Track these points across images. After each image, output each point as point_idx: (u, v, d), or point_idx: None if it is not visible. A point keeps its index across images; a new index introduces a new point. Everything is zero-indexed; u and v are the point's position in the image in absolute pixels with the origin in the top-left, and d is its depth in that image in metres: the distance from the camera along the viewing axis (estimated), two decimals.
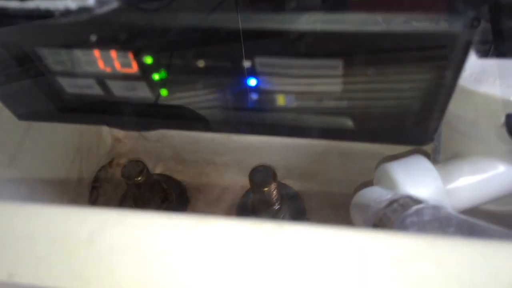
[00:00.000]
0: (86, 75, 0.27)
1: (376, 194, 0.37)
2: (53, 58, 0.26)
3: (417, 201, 0.31)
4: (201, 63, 0.25)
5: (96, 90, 0.28)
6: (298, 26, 0.22)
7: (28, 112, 0.32)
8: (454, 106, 0.37)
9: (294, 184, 0.63)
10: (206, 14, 0.22)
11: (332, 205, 0.60)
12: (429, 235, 0.18)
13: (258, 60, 0.24)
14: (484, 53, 0.29)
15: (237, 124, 0.29)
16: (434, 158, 0.44)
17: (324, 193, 0.62)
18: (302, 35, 0.23)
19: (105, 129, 0.67)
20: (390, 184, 0.38)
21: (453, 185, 0.38)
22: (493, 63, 0.35)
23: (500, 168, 0.39)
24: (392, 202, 0.32)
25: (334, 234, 0.18)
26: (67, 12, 0.21)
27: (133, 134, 0.68)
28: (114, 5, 0.21)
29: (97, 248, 0.18)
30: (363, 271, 0.17)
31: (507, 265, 0.16)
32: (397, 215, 0.31)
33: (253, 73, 0.25)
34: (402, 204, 0.31)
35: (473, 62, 0.35)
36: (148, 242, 0.18)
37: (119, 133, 0.68)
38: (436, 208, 0.29)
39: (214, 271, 0.17)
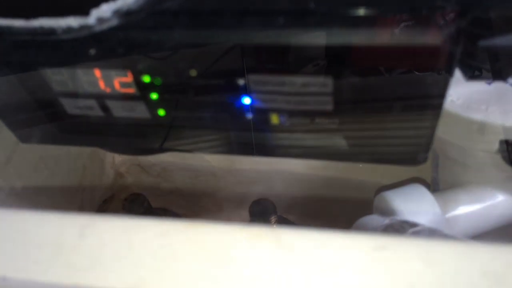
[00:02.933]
0: (87, 96, 0.28)
1: (373, 222, 0.37)
2: (55, 78, 0.27)
3: (413, 224, 0.30)
4: (198, 82, 0.26)
5: (97, 111, 0.29)
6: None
7: (31, 135, 0.33)
8: (448, 135, 0.38)
9: (295, 218, 0.62)
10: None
11: None
12: None
13: (252, 78, 0.25)
14: (472, 76, 0.30)
15: (233, 145, 0.30)
16: (433, 187, 0.44)
17: (325, 226, 0.61)
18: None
19: (108, 163, 0.67)
20: (388, 212, 0.38)
21: (452, 213, 0.38)
22: (485, 90, 0.35)
23: (499, 197, 0.38)
24: (388, 227, 0.32)
25: None
26: (68, 30, 0.22)
27: (136, 168, 0.68)
28: (114, 22, 0.22)
29: (87, 243, 0.18)
30: None
31: None
32: None
33: (247, 91, 0.26)
34: (398, 228, 0.31)
35: (466, 90, 0.36)
36: (139, 242, 0.18)
37: (121, 167, 0.69)
38: (432, 231, 0.29)
39: (205, 274, 0.17)
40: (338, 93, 0.26)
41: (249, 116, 0.27)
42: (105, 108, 0.28)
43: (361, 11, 0.22)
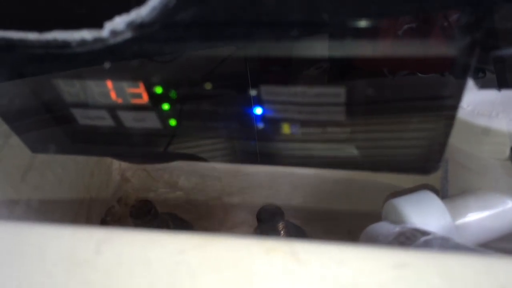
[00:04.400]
0: (98, 106, 0.28)
1: (383, 229, 0.37)
2: (67, 89, 0.27)
3: (424, 232, 0.30)
4: (209, 92, 0.26)
5: (108, 122, 0.29)
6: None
7: (42, 145, 0.33)
8: (458, 141, 0.38)
9: (302, 223, 0.62)
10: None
11: None
12: None
13: (264, 88, 0.25)
14: (476, 77, 0.30)
15: (244, 154, 0.30)
16: (442, 193, 0.44)
17: (333, 232, 0.61)
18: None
19: (115, 169, 0.67)
20: (398, 219, 0.38)
21: (461, 220, 0.38)
22: (495, 97, 0.35)
23: (509, 204, 0.38)
24: (399, 235, 0.32)
25: None
26: (83, 43, 0.23)
27: (141, 173, 0.68)
28: (127, 35, 0.22)
29: (104, 261, 0.18)
30: None
31: None
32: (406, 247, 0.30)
33: (259, 101, 0.26)
34: (409, 236, 0.31)
35: (475, 97, 0.36)
36: (156, 258, 0.18)
37: (128, 172, 0.69)
38: (444, 239, 0.29)
39: None
40: (348, 101, 0.26)
41: (261, 126, 0.27)
42: (116, 119, 0.29)
43: (373, 22, 0.22)
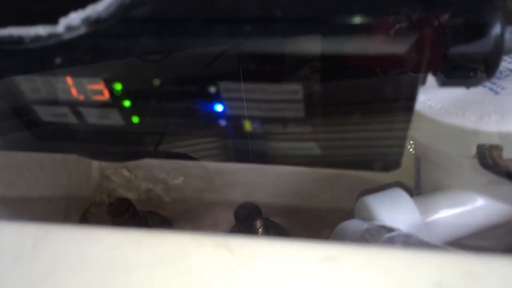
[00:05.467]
0: (60, 103, 0.28)
1: (354, 226, 0.37)
2: (27, 86, 0.27)
3: (389, 229, 0.31)
4: (168, 88, 0.26)
5: (71, 119, 0.29)
6: None
7: (6, 142, 0.33)
8: (427, 140, 0.38)
9: (283, 222, 0.63)
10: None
11: None
12: None
13: (223, 85, 0.25)
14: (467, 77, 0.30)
15: (207, 150, 0.30)
16: (417, 191, 0.44)
17: (312, 230, 0.61)
18: None
19: (94, 167, 0.67)
20: (369, 216, 0.38)
21: (431, 218, 0.38)
22: (462, 95, 0.36)
23: (479, 202, 0.39)
24: (365, 232, 0.32)
25: None
26: (36, 39, 0.22)
27: (122, 172, 0.68)
28: (82, 31, 0.22)
29: (40, 256, 0.18)
30: None
31: None
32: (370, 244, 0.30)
33: (219, 98, 0.26)
34: (374, 233, 0.31)
35: (444, 95, 0.36)
36: (92, 253, 0.18)
37: (108, 170, 0.68)
38: (407, 236, 0.29)
39: (157, 285, 0.17)
40: (310, 99, 0.26)
41: (223, 123, 0.27)
42: (79, 116, 0.28)
43: (327, 18, 0.22)
